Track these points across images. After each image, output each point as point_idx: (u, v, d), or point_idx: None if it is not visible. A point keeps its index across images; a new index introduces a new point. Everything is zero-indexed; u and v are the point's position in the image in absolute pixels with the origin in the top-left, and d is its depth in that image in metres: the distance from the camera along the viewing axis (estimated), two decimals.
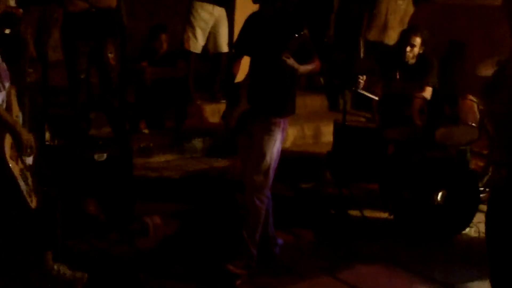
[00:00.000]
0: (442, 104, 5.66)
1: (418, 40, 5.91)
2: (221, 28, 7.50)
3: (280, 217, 5.05)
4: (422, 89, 5.81)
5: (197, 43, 7.43)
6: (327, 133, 7.24)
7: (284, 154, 4.74)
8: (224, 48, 7.52)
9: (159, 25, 7.20)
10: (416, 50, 5.92)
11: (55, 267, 4.02)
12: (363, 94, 5.93)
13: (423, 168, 5.38)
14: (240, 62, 4.72)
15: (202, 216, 5.34)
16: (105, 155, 5.08)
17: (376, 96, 6.05)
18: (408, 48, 5.90)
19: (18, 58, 5.06)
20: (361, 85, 5.86)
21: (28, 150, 3.77)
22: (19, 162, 3.70)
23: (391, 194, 5.48)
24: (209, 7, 7.38)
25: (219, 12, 7.44)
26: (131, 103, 6.75)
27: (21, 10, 5.79)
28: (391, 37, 7.53)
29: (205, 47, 7.54)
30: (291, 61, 4.26)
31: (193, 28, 7.40)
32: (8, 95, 3.79)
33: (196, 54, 7.50)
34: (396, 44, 6.46)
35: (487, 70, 4.92)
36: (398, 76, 5.93)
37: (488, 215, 3.25)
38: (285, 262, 4.80)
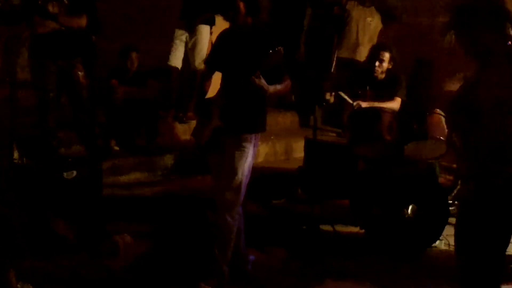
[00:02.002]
0: (410, 120, 5.73)
1: (386, 55, 6.00)
2: (200, 45, 7.47)
3: (252, 234, 5.03)
4: (392, 99, 5.89)
5: (178, 59, 7.45)
6: (298, 149, 7.27)
7: (256, 170, 4.74)
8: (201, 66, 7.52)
9: (130, 45, 7.21)
10: (385, 65, 6.01)
11: (19, 285, 3.97)
12: (342, 97, 5.97)
13: (392, 183, 5.41)
14: (211, 79, 4.72)
15: (173, 234, 5.30)
16: (74, 173, 5.04)
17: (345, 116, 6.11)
18: (377, 63, 5.99)
19: None
20: (330, 102, 5.93)
21: None
22: None
23: (361, 210, 5.50)
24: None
25: (202, 29, 7.42)
26: (102, 122, 6.72)
27: None
28: (362, 54, 7.61)
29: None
30: (260, 82, 4.26)
31: (175, 44, 7.42)
32: None
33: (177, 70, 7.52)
34: (366, 61, 6.54)
35: (453, 85, 5.00)
36: (368, 92, 6.00)
37: (457, 228, 3.28)
38: (257, 280, 4.78)
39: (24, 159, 5.23)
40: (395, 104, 5.94)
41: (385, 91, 6.01)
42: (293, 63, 8.06)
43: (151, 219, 5.54)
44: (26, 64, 6.63)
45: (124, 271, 4.79)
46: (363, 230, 5.47)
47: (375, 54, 6.05)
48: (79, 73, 6.11)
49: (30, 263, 4.30)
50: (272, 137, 7.36)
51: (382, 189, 5.40)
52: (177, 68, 7.54)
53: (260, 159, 7.04)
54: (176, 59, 7.50)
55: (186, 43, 7.49)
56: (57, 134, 6.33)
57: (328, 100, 5.92)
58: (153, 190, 6.27)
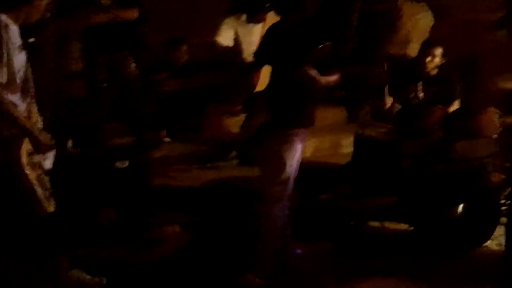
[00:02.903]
0: (461, 117, 5.65)
1: (438, 51, 5.91)
2: (252, 37, 7.41)
3: (298, 228, 5.03)
4: (449, 104, 5.80)
5: (226, 37, 7.39)
6: (346, 145, 7.21)
7: (303, 165, 4.73)
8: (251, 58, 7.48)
9: (179, 37, 7.25)
10: (437, 60, 5.92)
11: (72, 272, 4.05)
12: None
13: (442, 181, 5.35)
14: (259, 72, 4.73)
15: (220, 225, 5.34)
16: (126, 163, 5.12)
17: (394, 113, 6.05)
18: (429, 59, 5.90)
19: (40, 67, 5.12)
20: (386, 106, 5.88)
21: (46, 148, 3.82)
22: (37, 167, 3.74)
23: (410, 207, 5.45)
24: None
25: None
26: (151, 112, 6.79)
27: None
28: (413, 50, 7.51)
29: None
30: (312, 73, 4.26)
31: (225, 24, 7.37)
32: (29, 103, 3.84)
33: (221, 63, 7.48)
34: (417, 56, 6.45)
35: (506, 83, 4.91)
36: (419, 88, 5.92)
37: (508, 228, 3.23)
38: (302, 273, 4.78)
39: (78, 149, 5.32)
40: (452, 108, 5.84)
41: (437, 87, 5.93)
42: (341, 57, 8.01)
43: (199, 210, 5.58)
44: (78, 56, 6.75)
45: (172, 260, 4.84)
46: (412, 228, 5.42)
47: (426, 49, 5.96)
48: (130, 64, 6.18)
49: (82, 251, 4.38)
50: (320, 132, 7.32)
51: (432, 186, 5.34)
52: (221, 44, 7.41)
53: (308, 154, 7.01)
54: (222, 37, 7.38)
55: (236, 32, 7.40)
56: (109, 124, 6.42)
57: (383, 101, 5.86)
58: (201, 181, 6.31)
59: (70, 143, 5.33)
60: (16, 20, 3.71)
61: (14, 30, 3.69)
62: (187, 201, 5.81)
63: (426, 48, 6.00)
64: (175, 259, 4.89)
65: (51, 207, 3.74)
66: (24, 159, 3.62)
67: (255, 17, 7.20)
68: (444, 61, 5.94)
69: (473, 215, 5.26)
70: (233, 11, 7.31)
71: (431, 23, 7.77)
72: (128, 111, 6.30)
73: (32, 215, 3.75)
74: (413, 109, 5.85)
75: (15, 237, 3.85)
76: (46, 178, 3.80)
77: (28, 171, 3.63)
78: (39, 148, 3.76)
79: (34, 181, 3.65)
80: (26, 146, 3.68)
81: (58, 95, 6.48)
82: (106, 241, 4.94)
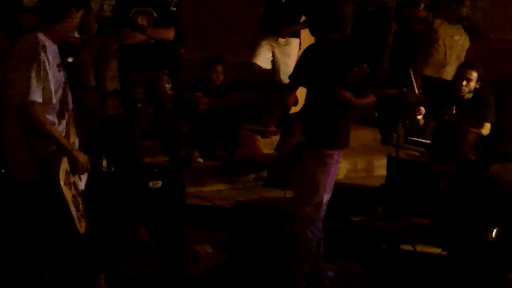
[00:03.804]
0: (496, 140, 5.60)
1: (474, 75, 5.88)
2: (288, 59, 7.44)
3: (330, 250, 5.03)
4: (481, 126, 5.76)
5: (262, 59, 7.43)
6: (380, 166, 7.20)
7: (336, 186, 4.73)
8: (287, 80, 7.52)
9: (214, 57, 7.31)
10: (472, 84, 5.89)
11: None
12: (414, 140, 5.91)
13: (475, 204, 5.30)
14: (295, 93, 4.75)
15: (252, 246, 5.35)
16: (160, 183, 5.16)
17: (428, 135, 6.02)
18: (464, 82, 5.87)
19: (78, 86, 5.20)
20: (420, 122, 5.85)
21: (84, 171, 3.87)
22: (72, 188, 3.79)
23: (443, 230, 5.41)
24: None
25: (291, 42, 7.46)
26: (185, 132, 6.85)
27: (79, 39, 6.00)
28: (449, 73, 7.48)
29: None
30: (347, 95, 4.27)
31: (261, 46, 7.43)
32: (67, 122, 3.89)
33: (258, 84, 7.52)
34: (452, 79, 6.42)
35: None
36: (454, 111, 5.89)
37: None
38: None
39: (112, 167, 5.38)
40: (484, 130, 5.80)
41: (471, 110, 5.89)
42: (376, 78, 8.00)
43: (230, 230, 5.61)
44: (115, 74, 6.84)
45: (203, 279, 4.87)
46: (445, 252, 5.37)
47: (462, 72, 5.93)
48: (166, 84, 6.24)
49: (116, 268, 4.42)
50: (353, 154, 7.32)
51: (465, 209, 5.30)
52: (260, 66, 7.44)
53: (341, 176, 7.02)
54: (260, 58, 7.42)
55: (273, 53, 7.44)
56: (143, 143, 6.48)
57: (418, 121, 5.84)
58: (233, 201, 6.34)
59: (104, 162, 5.38)
60: (53, 40, 3.75)
61: (52, 49, 3.74)
62: (218, 220, 5.84)
63: (462, 71, 5.96)
64: (206, 278, 4.91)
65: (82, 228, 3.78)
66: (62, 178, 3.66)
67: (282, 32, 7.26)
68: (478, 85, 5.90)
69: (507, 239, 5.20)
70: (270, 31, 7.36)
71: (467, 45, 7.74)
72: (162, 130, 6.35)
73: (68, 234, 3.79)
74: (448, 131, 5.82)
75: (54, 255, 3.90)
76: (80, 199, 3.84)
77: (65, 191, 3.67)
78: (76, 168, 3.81)
79: (70, 201, 3.69)
80: (64, 165, 3.73)
81: (95, 113, 6.60)
82: (139, 259, 4.97)
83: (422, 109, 5.88)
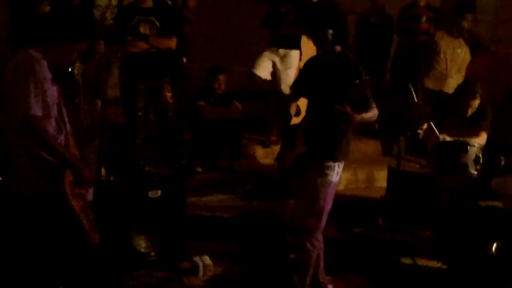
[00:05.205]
0: (498, 153, 5.59)
1: (478, 95, 5.91)
2: (289, 70, 7.44)
3: (331, 262, 5.01)
4: (477, 135, 5.76)
5: (262, 69, 7.43)
6: (380, 178, 7.18)
7: (337, 197, 4.72)
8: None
9: (217, 66, 7.30)
10: (476, 103, 5.92)
11: None
12: (432, 127, 5.86)
13: (477, 217, 5.28)
14: (296, 104, 4.74)
15: (252, 257, 5.33)
16: (159, 192, 5.13)
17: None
18: (470, 104, 5.90)
19: (74, 97, 5.20)
20: (421, 135, 5.85)
21: (89, 184, 3.86)
22: (80, 199, 3.78)
23: (444, 243, 5.39)
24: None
25: (292, 54, 7.47)
26: (187, 141, 6.83)
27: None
28: (450, 86, 7.48)
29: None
30: (347, 110, 4.25)
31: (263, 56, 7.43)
32: (65, 135, 3.88)
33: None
34: (455, 93, 6.39)
35: None
36: (454, 124, 5.89)
37: None
38: None
39: (111, 176, 5.36)
40: (480, 139, 5.80)
41: (471, 124, 5.89)
42: (378, 90, 7.99)
43: (231, 241, 5.58)
44: (116, 82, 6.84)
45: None
46: (445, 266, 5.35)
47: (467, 92, 5.94)
48: (167, 93, 6.24)
49: (114, 278, 4.39)
50: (354, 165, 7.30)
51: (466, 222, 5.28)
52: (259, 76, 7.45)
53: (341, 187, 7.00)
54: (261, 69, 7.43)
55: (274, 64, 7.44)
56: (143, 152, 6.47)
57: (418, 134, 5.84)
58: (233, 212, 6.31)
59: (103, 171, 5.36)
60: (45, 56, 3.73)
61: (44, 65, 3.72)
62: (219, 231, 5.81)
63: (467, 90, 5.97)
64: None
65: (96, 239, 3.77)
66: (68, 189, 3.65)
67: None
68: (479, 101, 5.91)
69: (508, 253, 5.17)
70: (272, 43, 7.37)
71: (468, 58, 7.74)
72: (163, 139, 6.34)
73: (80, 245, 3.77)
74: (449, 144, 5.80)
75: (65, 267, 3.87)
76: (89, 210, 3.83)
77: (73, 201, 3.66)
78: (80, 180, 3.79)
79: (80, 212, 3.68)
80: (68, 176, 3.71)
81: (96, 122, 6.56)
82: (136, 269, 4.95)
83: (425, 124, 5.88)
